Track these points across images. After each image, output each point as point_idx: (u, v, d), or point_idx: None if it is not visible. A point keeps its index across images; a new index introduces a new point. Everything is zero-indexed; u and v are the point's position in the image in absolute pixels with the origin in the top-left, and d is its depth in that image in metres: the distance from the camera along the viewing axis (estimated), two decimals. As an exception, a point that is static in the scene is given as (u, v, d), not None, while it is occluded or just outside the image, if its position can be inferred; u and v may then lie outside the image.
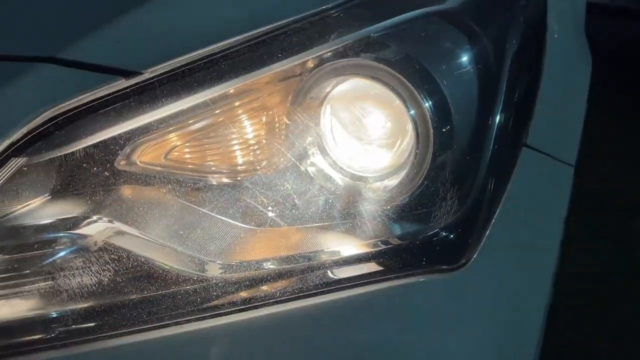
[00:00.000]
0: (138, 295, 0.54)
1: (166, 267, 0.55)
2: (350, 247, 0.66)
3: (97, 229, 0.55)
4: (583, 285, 0.83)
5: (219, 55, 0.56)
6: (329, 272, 0.65)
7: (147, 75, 0.54)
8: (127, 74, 0.53)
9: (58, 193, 0.58)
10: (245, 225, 0.63)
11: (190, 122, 0.61)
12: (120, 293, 0.54)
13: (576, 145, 0.92)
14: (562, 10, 0.94)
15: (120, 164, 0.61)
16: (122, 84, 0.54)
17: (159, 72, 0.55)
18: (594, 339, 0.79)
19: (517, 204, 0.71)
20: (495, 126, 0.70)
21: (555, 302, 0.74)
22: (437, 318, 0.66)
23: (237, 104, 0.63)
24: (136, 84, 0.54)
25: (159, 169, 0.62)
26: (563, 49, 0.93)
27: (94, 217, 0.57)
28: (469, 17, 0.68)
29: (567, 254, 0.77)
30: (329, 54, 0.62)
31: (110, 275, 0.54)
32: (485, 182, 0.67)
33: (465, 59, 0.66)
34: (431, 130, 0.61)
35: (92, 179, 0.59)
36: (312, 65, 0.63)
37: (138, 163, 0.62)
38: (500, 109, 0.71)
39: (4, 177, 0.51)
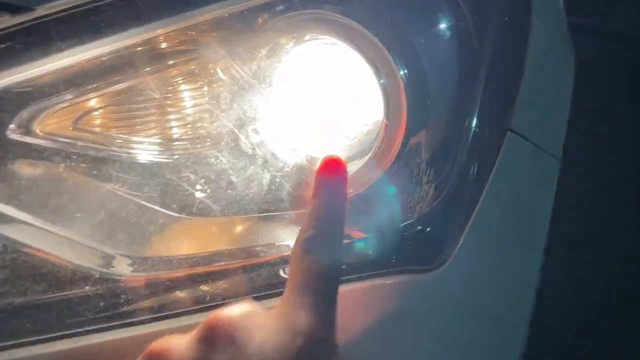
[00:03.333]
0: (21, 299, 0.41)
1: (60, 262, 0.42)
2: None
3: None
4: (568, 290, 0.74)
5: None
6: (273, 271, 0.53)
7: (41, 11, 0.41)
8: (15, 9, 0.41)
9: None
10: (167, 212, 0.51)
11: (107, 80, 0.48)
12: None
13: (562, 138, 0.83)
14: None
15: (15, 133, 0.48)
16: (6, 21, 0.41)
17: (57, 9, 0.42)
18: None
19: (502, 194, 0.61)
20: (477, 106, 0.59)
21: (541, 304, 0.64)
22: (405, 327, 0.55)
23: (169, 62, 0.51)
24: (25, 21, 0.41)
25: (64, 140, 0.49)
26: (547, 37, 0.85)
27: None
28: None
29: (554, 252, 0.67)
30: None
31: None
32: (467, 167, 0.56)
33: (444, 29, 0.55)
34: (404, 103, 0.50)
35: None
36: (263, 18, 0.51)
37: (38, 132, 0.49)
38: (482, 88, 0.60)
39: None
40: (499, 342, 0.65)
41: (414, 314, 0.55)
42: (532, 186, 0.71)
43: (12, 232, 0.42)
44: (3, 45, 0.41)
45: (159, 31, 0.47)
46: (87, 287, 0.43)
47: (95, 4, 0.43)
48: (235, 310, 0.39)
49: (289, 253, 0.52)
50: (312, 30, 0.53)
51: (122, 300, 0.43)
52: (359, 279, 0.54)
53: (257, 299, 0.51)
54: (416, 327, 0.56)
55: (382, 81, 0.51)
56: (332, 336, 0.41)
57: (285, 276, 0.53)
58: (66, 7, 0.43)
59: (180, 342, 0.38)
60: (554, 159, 0.77)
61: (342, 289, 0.51)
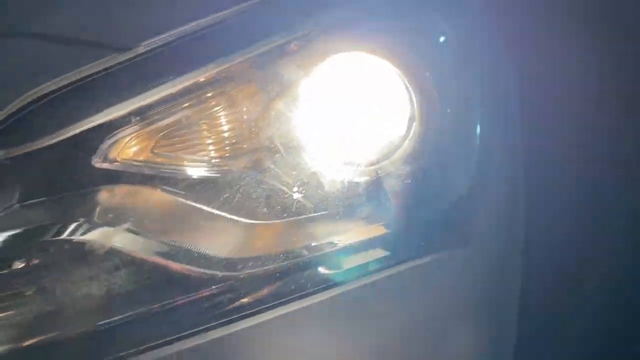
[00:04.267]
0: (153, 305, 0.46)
1: (192, 271, 0.48)
2: (351, 234, 0.62)
3: (97, 233, 0.46)
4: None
5: (216, 27, 0.50)
6: (331, 265, 0.60)
7: (140, 49, 0.47)
8: (119, 49, 0.46)
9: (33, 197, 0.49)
10: (243, 220, 0.57)
11: (182, 106, 0.54)
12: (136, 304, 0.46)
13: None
14: None
15: (99, 161, 0.53)
16: (113, 59, 0.46)
17: (152, 47, 0.48)
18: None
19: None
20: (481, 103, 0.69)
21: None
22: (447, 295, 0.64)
23: (230, 85, 0.57)
24: (129, 59, 0.47)
25: (141, 165, 0.54)
26: None
27: (81, 221, 0.48)
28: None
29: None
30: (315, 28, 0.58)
31: (121, 283, 0.45)
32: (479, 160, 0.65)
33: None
34: (435, 104, 0.59)
35: (70, 179, 0.51)
36: (296, 45, 0.59)
37: (119, 160, 0.54)
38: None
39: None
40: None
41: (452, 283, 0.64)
42: None
43: (140, 248, 0.47)
44: (110, 83, 0.46)
45: (219, 68, 0.53)
46: (209, 288, 0.48)
47: (183, 40, 0.49)
48: None
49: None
50: (342, 48, 0.60)
51: (239, 295, 0.49)
52: (401, 262, 0.62)
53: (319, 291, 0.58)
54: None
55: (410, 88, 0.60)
56: None
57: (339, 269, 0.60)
58: (155, 45, 0.48)
59: None
60: None
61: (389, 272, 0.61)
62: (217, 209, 0.56)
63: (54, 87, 0.45)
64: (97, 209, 0.51)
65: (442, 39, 0.63)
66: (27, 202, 0.50)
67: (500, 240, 0.68)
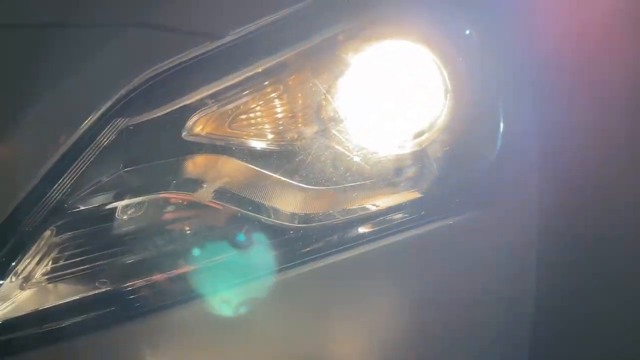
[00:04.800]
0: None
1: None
2: (391, 198, 0.73)
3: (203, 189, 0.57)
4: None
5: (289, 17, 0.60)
6: (375, 222, 0.71)
7: (230, 37, 0.57)
8: (213, 36, 0.56)
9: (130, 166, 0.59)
10: (309, 187, 0.67)
11: (250, 90, 0.64)
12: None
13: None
14: None
15: (187, 135, 0.63)
16: (207, 46, 0.56)
17: (241, 34, 0.57)
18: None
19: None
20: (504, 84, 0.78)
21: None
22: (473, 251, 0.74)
23: (288, 72, 0.66)
24: (221, 45, 0.56)
25: (222, 137, 0.64)
26: None
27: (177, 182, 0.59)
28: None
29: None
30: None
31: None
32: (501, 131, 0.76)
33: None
34: (466, 84, 0.69)
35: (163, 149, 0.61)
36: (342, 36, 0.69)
37: (203, 134, 0.64)
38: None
39: (108, 137, 0.51)
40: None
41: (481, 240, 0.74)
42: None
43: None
44: (205, 67, 0.56)
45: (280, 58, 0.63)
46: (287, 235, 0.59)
47: (265, 29, 0.59)
48: None
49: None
50: (385, 36, 0.70)
51: (312, 240, 0.59)
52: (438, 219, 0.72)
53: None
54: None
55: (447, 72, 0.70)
56: None
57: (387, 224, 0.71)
58: (248, 31, 0.58)
59: None
60: None
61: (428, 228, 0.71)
62: (282, 176, 0.66)
63: (160, 70, 0.54)
64: (187, 174, 0.61)
65: (468, 31, 0.73)
66: (130, 168, 0.60)
67: (522, 203, 0.78)
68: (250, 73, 0.61)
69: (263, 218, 0.59)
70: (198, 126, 0.63)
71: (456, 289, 0.74)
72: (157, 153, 0.61)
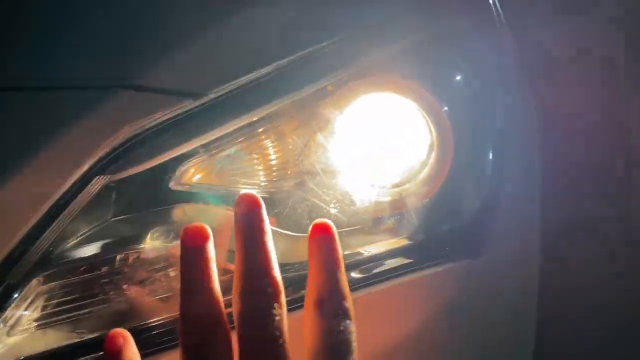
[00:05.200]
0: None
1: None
2: (380, 246, 0.74)
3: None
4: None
5: (274, 73, 0.62)
6: (362, 270, 0.72)
7: (212, 95, 0.59)
8: (195, 95, 0.58)
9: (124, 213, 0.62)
10: (289, 233, 0.69)
11: (238, 140, 0.66)
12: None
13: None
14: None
15: (174, 185, 0.65)
16: (190, 104, 0.59)
17: (221, 93, 0.60)
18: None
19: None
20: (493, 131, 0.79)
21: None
22: (460, 301, 0.74)
23: (259, 130, 0.69)
24: (202, 103, 0.59)
25: (209, 187, 0.67)
26: None
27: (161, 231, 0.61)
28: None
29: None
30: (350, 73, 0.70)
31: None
32: (491, 178, 0.76)
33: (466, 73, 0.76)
34: (450, 134, 0.71)
35: (152, 198, 0.63)
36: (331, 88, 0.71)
37: (190, 183, 0.66)
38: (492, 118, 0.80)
39: (92, 193, 0.54)
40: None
41: (468, 292, 0.74)
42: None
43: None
44: (186, 125, 0.59)
45: (269, 110, 0.65)
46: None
47: (244, 88, 0.61)
48: None
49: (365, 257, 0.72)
50: (371, 90, 0.72)
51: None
52: (421, 269, 0.73)
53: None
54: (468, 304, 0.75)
55: (429, 119, 0.71)
56: None
57: (371, 273, 0.71)
58: (229, 89, 0.60)
59: None
60: None
61: (411, 277, 0.71)
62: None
63: (142, 129, 0.57)
64: (171, 223, 0.63)
65: (457, 79, 0.74)
66: (119, 217, 0.63)
67: (514, 250, 0.78)
68: (232, 128, 0.63)
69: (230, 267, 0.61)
70: (185, 177, 0.66)
71: (444, 337, 0.74)
72: (146, 203, 0.64)
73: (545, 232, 0.83)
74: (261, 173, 0.71)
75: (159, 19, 0.63)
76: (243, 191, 0.62)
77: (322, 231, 0.47)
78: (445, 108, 0.70)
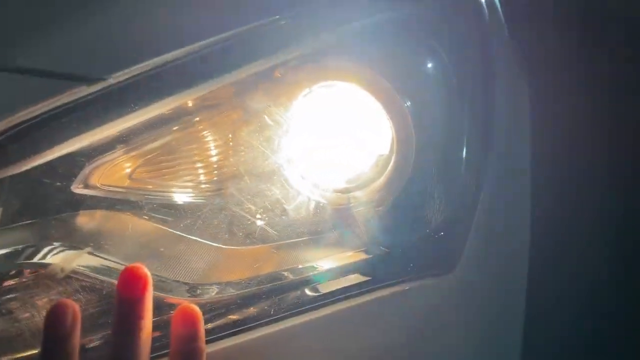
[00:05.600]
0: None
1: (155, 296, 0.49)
2: (330, 260, 0.63)
3: (61, 256, 0.48)
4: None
5: (187, 58, 0.52)
6: (310, 288, 0.61)
7: (111, 81, 0.49)
8: (89, 80, 0.48)
9: (11, 221, 0.51)
10: (216, 245, 0.58)
11: (155, 136, 0.56)
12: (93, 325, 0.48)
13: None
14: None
15: (78, 187, 0.55)
16: (83, 90, 0.48)
17: (123, 78, 0.50)
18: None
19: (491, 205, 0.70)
20: (467, 131, 0.68)
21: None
22: (429, 324, 0.63)
23: (196, 119, 0.58)
24: (99, 90, 0.49)
25: (122, 190, 0.56)
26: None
27: (56, 245, 0.50)
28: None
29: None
30: (296, 57, 0.59)
31: (80, 305, 0.47)
32: (465, 183, 0.65)
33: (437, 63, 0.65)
34: (412, 131, 0.60)
35: (48, 203, 0.53)
36: (280, 72, 0.60)
37: (99, 186, 0.56)
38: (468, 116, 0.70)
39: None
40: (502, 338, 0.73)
41: (433, 312, 0.63)
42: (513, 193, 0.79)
43: (99, 272, 0.49)
44: (82, 112, 0.49)
45: (192, 96, 0.54)
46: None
47: (155, 72, 0.51)
48: None
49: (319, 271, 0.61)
50: (324, 78, 0.62)
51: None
52: (386, 286, 0.62)
53: (294, 314, 0.58)
54: (435, 326, 0.64)
55: (390, 114, 0.60)
56: None
57: (317, 292, 0.60)
58: (129, 75, 0.50)
59: None
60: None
61: (373, 296, 0.60)
62: (191, 234, 0.58)
63: (29, 116, 0.47)
64: (71, 233, 0.53)
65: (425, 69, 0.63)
66: (9, 226, 0.53)
67: (493, 264, 0.67)
68: (150, 115, 0.53)
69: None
70: (93, 177, 0.56)
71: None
72: (43, 208, 0.54)
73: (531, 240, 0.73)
74: (187, 174, 0.60)
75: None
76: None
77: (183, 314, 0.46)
78: (408, 103, 0.59)
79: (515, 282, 0.74)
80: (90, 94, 0.49)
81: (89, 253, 0.50)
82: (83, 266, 0.49)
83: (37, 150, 0.48)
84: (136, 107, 0.49)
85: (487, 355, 0.70)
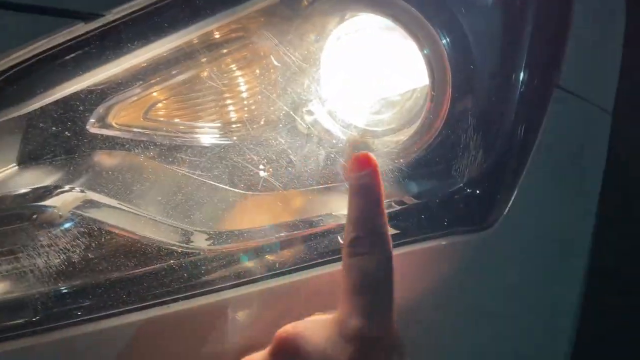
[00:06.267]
0: (116, 274, 0.47)
1: (146, 240, 0.48)
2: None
3: (64, 199, 0.48)
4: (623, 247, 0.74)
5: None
6: (335, 238, 0.57)
7: (109, 17, 0.46)
8: (86, 16, 0.45)
9: (26, 161, 0.51)
10: (235, 190, 0.55)
11: (171, 73, 0.53)
12: (95, 272, 0.47)
13: (613, 91, 0.82)
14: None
15: (94, 126, 0.54)
16: (80, 28, 0.46)
17: (123, 13, 0.46)
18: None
19: (550, 153, 0.62)
20: (523, 66, 0.60)
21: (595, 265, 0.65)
22: (460, 286, 0.58)
23: (224, 51, 0.55)
24: (97, 27, 0.46)
25: (137, 130, 0.55)
26: None
27: (65, 187, 0.50)
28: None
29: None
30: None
31: (80, 251, 0.47)
32: (514, 128, 0.58)
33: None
34: (449, 71, 0.53)
35: (61, 144, 0.52)
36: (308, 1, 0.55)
37: (114, 125, 0.54)
38: (527, 48, 0.61)
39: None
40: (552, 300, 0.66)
41: (468, 271, 0.58)
42: (582, 142, 0.71)
43: (103, 216, 0.48)
44: (80, 51, 0.46)
45: (214, 25, 0.50)
46: (171, 261, 0.48)
47: (156, 5, 0.47)
48: (300, 325, 0.43)
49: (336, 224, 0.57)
50: (353, 8, 0.55)
51: (202, 271, 0.48)
52: (415, 241, 0.57)
53: (315, 265, 0.55)
54: (470, 285, 0.59)
55: (425, 52, 0.53)
56: (392, 335, 0.42)
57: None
58: (131, 10, 0.47)
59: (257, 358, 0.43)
60: (605, 112, 0.76)
61: (400, 251, 0.56)
62: (211, 179, 0.56)
63: (24, 57, 0.45)
64: (85, 174, 0.52)
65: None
66: (25, 164, 0.53)
67: (531, 225, 0.60)
68: (172, 48, 0.50)
69: (144, 237, 0.48)
70: (110, 116, 0.54)
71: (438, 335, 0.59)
72: (59, 148, 0.53)
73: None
74: (210, 113, 0.57)
75: None
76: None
77: (362, 166, 0.45)
78: (447, 39, 0.52)
79: (574, 243, 0.66)
80: (87, 32, 0.46)
81: (95, 197, 0.49)
82: (84, 210, 0.48)
83: (34, 92, 0.46)
84: (133, 47, 0.46)
85: (531, 330, 0.64)
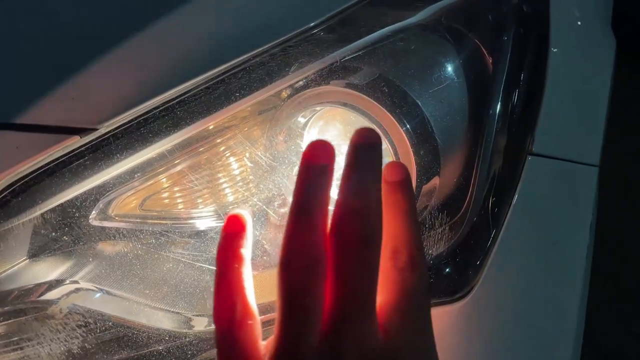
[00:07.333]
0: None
1: (146, 327, 0.53)
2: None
3: (65, 292, 0.54)
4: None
5: (174, 101, 0.54)
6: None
7: (102, 130, 0.52)
8: (82, 131, 0.52)
9: (37, 254, 0.58)
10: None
11: (159, 170, 0.59)
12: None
13: (599, 144, 0.83)
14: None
15: (96, 219, 0.60)
16: (77, 142, 0.52)
17: (114, 127, 0.53)
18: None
19: (526, 220, 0.65)
20: (492, 138, 0.64)
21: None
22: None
23: (201, 149, 0.60)
24: (91, 140, 0.52)
25: (135, 220, 0.61)
26: (572, 41, 0.85)
27: (67, 281, 0.56)
28: (447, 28, 0.63)
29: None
30: (296, 84, 0.59)
31: (79, 343, 0.52)
32: (483, 202, 0.61)
33: (447, 71, 0.62)
34: (412, 155, 0.57)
35: (67, 236, 0.59)
36: (281, 99, 0.60)
37: (113, 216, 0.60)
38: (495, 118, 0.65)
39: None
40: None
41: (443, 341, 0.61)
42: (564, 202, 0.73)
43: (104, 307, 0.54)
44: (77, 162, 0.53)
45: (193, 132, 0.56)
46: (168, 345, 0.53)
47: (142, 118, 0.53)
48: None
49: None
50: (320, 102, 0.60)
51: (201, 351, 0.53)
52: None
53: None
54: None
55: (388, 137, 0.58)
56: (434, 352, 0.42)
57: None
58: (122, 122, 0.53)
59: None
60: (590, 166, 0.78)
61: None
62: (206, 262, 0.61)
63: (28, 171, 0.52)
64: (89, 264, 0.58)
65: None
66: (36, 257, 0.59)
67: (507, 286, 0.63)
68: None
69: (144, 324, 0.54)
70: (110, 209, 0.60)
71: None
72: (66, 240, 0.60)
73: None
74: (201, 200, 0.63)
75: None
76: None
77: (397, 175, 0.43)
78: (407, 126, 0.57)
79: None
80: (82, 145, 0.52)
81: (92, 288, 0.55)
82: (84, 302, 0.53)
83: (35, 201, 0.52)
84: (124, 156, 0.52)
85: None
